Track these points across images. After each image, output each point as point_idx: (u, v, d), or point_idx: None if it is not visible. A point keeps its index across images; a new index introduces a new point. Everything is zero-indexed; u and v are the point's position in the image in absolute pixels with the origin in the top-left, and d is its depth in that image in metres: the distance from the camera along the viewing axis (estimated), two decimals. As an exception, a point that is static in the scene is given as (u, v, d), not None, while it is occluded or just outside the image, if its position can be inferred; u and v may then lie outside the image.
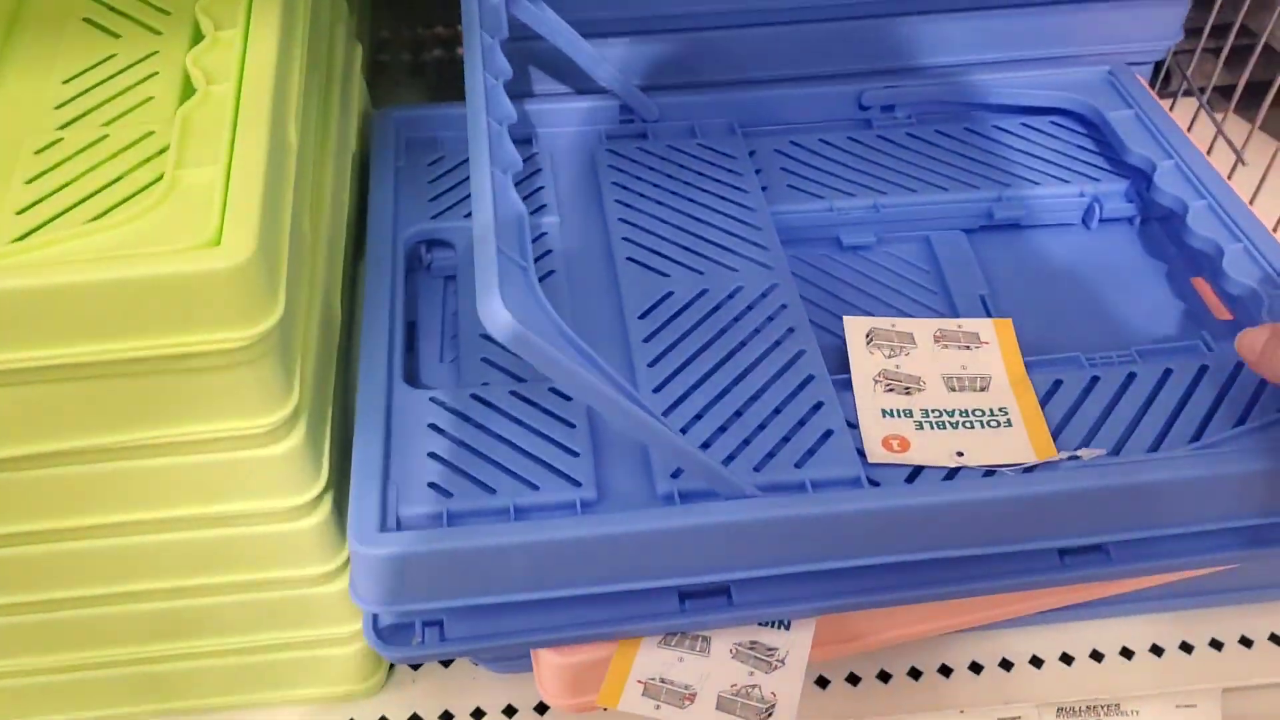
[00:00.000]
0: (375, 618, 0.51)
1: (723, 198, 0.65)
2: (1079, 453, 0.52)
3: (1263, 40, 0.77)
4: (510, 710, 0.60)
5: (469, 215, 0.59)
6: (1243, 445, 0.51)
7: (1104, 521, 0.50)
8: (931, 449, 0.53)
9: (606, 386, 0.42)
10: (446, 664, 0.62)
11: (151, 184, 0.43)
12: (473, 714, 0.60)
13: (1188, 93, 0.84)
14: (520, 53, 0.70)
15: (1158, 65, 0.79)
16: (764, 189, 0.67)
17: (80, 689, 0.57)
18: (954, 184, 0.67)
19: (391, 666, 0.62)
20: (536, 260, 0.61)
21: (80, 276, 0.39)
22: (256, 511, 0.48)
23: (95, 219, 0.42)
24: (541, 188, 0.65)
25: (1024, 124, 0.71)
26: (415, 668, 0.62)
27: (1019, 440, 0.53)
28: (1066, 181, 0.67)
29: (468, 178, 0.61)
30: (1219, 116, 0.80)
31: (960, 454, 0.53)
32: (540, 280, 0.58)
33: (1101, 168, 0.68)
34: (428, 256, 0.62)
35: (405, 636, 0.51)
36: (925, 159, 0.69)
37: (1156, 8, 0.74)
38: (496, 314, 0.39)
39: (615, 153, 0.68)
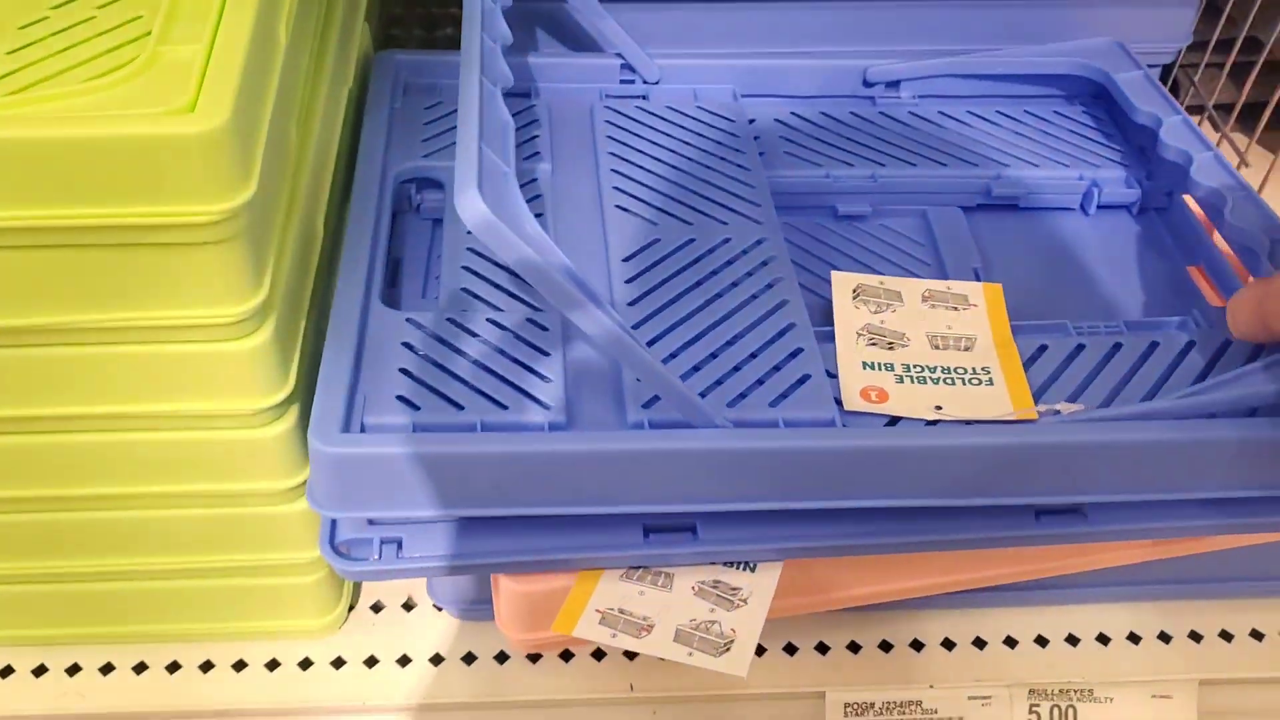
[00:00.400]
0: (332, 532, 0.50)
1: (718, 156, 0.65)
2: (1058, 406, 0.51)
3: (1262, 57, 0.77)
4: (470, 657, 0.59)
5: None
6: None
7: (1080, 479, 0.49)
8: (910, 401, 0.52)
9: (576, 289, 0.42)
10: (409, 608, 0.61)
11: (133, 60, 0.42)
12: (431, 659, 0.59)
13: (1193, 108, 0.83)
14: (525, 13, 0.70)
15: (1165, 70, 0.78)
16: (761, 154, 0.66)
17: (28, 604, 0.56)
18: (953, 160, 0.66)
19: (352, 606, 0.60)
20: (529, 202, 0.60)
21: (49, 132, 0.39)
22: (219, 412, 0.47)
23: (70, 85, 0.42)
24: (537, 136, 0.65)
25: (1027, 110, 0.71)
26: (376, 610, 0.61)
27: (999, 398, 0.52)
28: (1066, 165, 0.67)
29: None
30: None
31: (939, 408, 0.52)
32: None
33: (1102, 154, 0.68)
34: (417, 198, 0.62)
35: (363, 553, 0.49)
36: (926, 136, 0.68)
37: (1165, 8, 0.74)
38: (473, 204, 0.39)
39: (614, 110, 0.68)
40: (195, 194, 0.40)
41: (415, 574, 0.51)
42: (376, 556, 0.49)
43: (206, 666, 0.58)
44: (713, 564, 0.51)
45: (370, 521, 0.50)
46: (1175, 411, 0.50)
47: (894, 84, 0.71)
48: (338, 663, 0.58)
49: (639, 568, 0.51)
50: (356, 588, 0.61)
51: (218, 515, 0.52)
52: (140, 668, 0.58)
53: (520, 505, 0.47)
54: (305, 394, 0.50)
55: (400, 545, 0.49)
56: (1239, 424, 0.50)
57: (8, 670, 0.58)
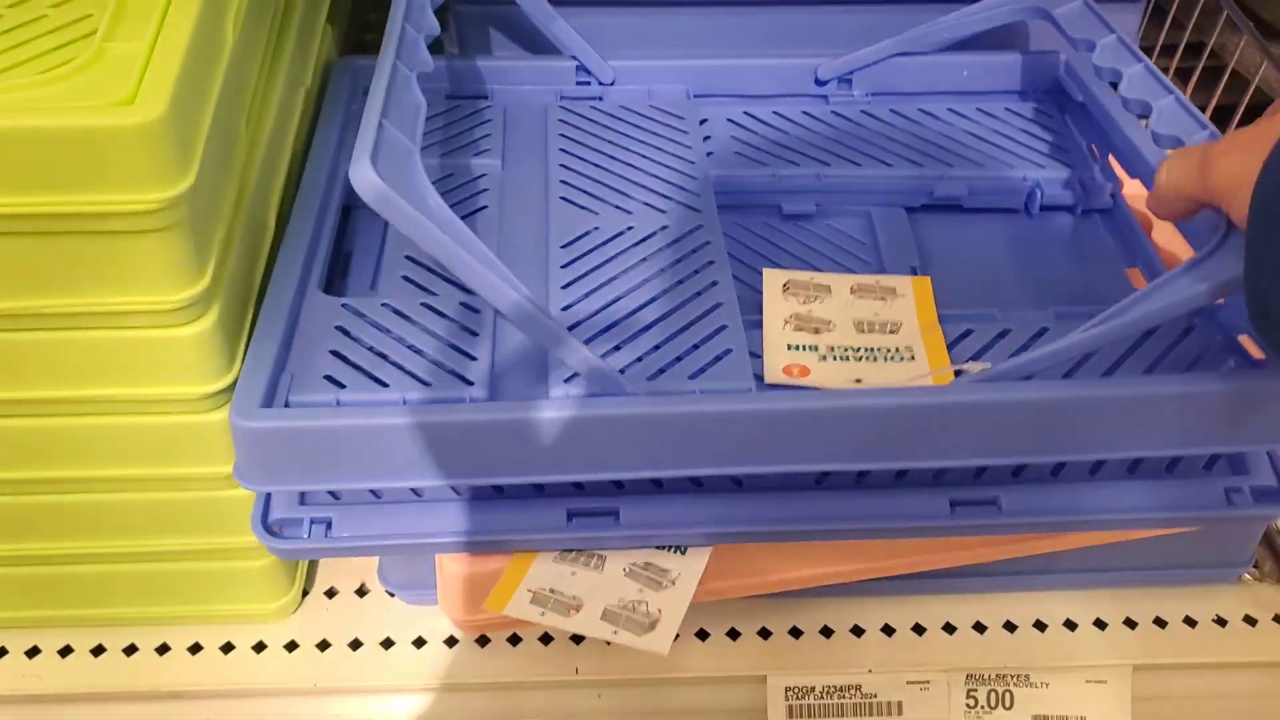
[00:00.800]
0: (265, 511, 0.51)
1: (666, 152, 0.67)
2: (965, 366, 0.52)
3: (1201, 61, 0.78)
4: (420, 641, 0.60)
5: None
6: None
7: (990, 439, 0.50)
8: (830, 376, 0.54)
9: (475, 259, 0.43)
10: (362, 593, 0.62)
11: (78, 56, 0.44)
12: (382, 643, 0.60)
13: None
14: (480, 16, 0.71)
15: (1115, 73, 0.80)
16: (709, 154, 0.68)
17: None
18: (899, 160, 0.68)
19: (306, 592, 0.62)
20: (472, 197, 0.62)
21: (-2, 122, 0.40)
22: (165, 397, 0.49)
23: (18, 80, 0.43)
24: (488, 135, 0.67)
25: (979, 108, 0.72)
26: (330, 595, 0.62)
27: (920, 372, 0.54)
28: (1011, 167, 0.68)
29: None
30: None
31: (858, 380, 0.53)
32: (470, 215, 0.60)
33: (1049, 154, 0.69)
34: None
35: (294, 532, 0.51)
36: (875, 135, 0.70)
37: (1112, 14, 0.75)
38: (364, 174, 0.41)
39: (569, 110, 0.70)
40: (135, 183, 0.42)
41: (343, 553, 0.53)
42: (306, 535, 0.51)
43: (163, 649, 0.60)
44: (638, 548, 0.52)
45: (302, 501, 0.51)
46: (1102, 337, 0.49)
47: (846, 81, 0.73)
48: (291, 646, 0.60)
49: (570, 550, 0.52)
50: (311, 574, 0.63)
51: (165, 499, 0.54)
52: (98, 650, 0.60)
53: (437, 476, 0.49)
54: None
55: (329, 525, 0.51)
56: (1133, 381, 0.51)
57: None
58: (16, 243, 0.43)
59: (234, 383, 0.50)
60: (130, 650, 0.60)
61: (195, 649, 0.60)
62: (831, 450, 0.50)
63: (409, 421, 0.47)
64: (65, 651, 0.60)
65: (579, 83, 0.72)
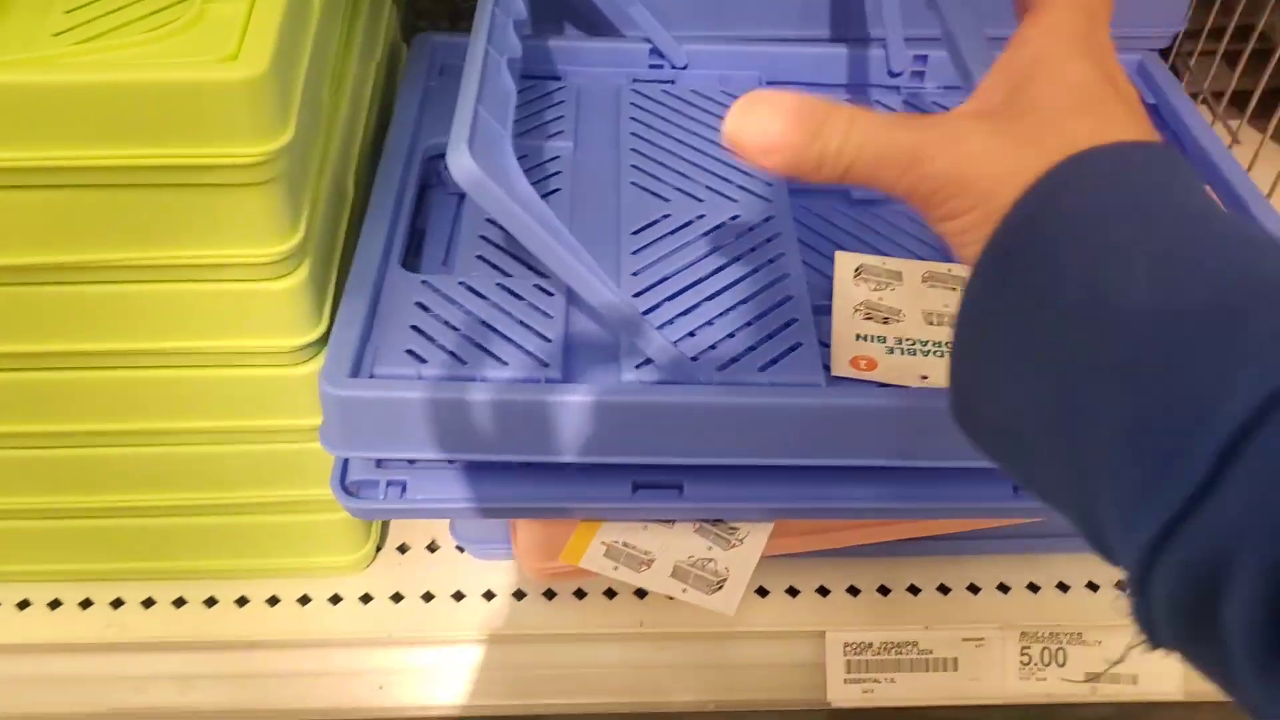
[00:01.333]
0: (343, 472, 0.53)
1: None
2: None
3: (1250, 44, 0.79)
4: (489, 594, 0.62)
5: None
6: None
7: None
8: (897, 371, 0.55)
9: (559, 244, 0.44)
10: (433, 549, 0.64)
11: (181, 16, 0.46)
12: (453, 595, 0.62)
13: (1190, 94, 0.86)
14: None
15: (1163, 54, 0.81)
16: None
17: (74, 540, 0.60)
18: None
19: (380, 547, 0.64)
20: (546, 179, 0.63)
21: (111, 76, 0.42)
22: (257, 349, 0.51)
23: (126, 38, 0.45)
24: (561, 117, 0.68)
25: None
26: (402, 551, 0.64)
27: None
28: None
29: None
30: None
31: (925, 377, 0.54)
32: (546, 195, 0.62)
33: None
34: (446, 174, 0.64)
35: (370, 493, 0.53)
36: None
37: (1161, -8, 0.76)
38: (461, 161, 0.42)
39: (640, 93, 0.71)
40: (239, 136, 0.44)
41: (417, 515, 0.55)
42: (382, 497, 0.52)
43: (242, 601, 0.62)
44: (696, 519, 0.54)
45: (379, 464, 0.53)
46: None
47: (919, 74, 0.73)
48: (365, 598, 0.62)
49: (628, 519, 0.54)
50: (384, 531, 0.64)
51: (252, 451, 0.56)
52: (179, 602, 0.62)
53: (511, 453, 0.51)
54: (336, 333, 0.54)
55: (405, 488, 0.53)
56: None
57: (56, 603, 0.61)
58: (121, 195, 0.45)
59: (322, 337, 0.52)
60: (210, 602, 0.62)
61: (273, 601, 0.62)
62: (897, 447, 0.51)
63: (487, 399, 0.49)
64: (148, 603, 0.62)
65: (651, 66, 0.72)
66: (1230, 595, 0.25)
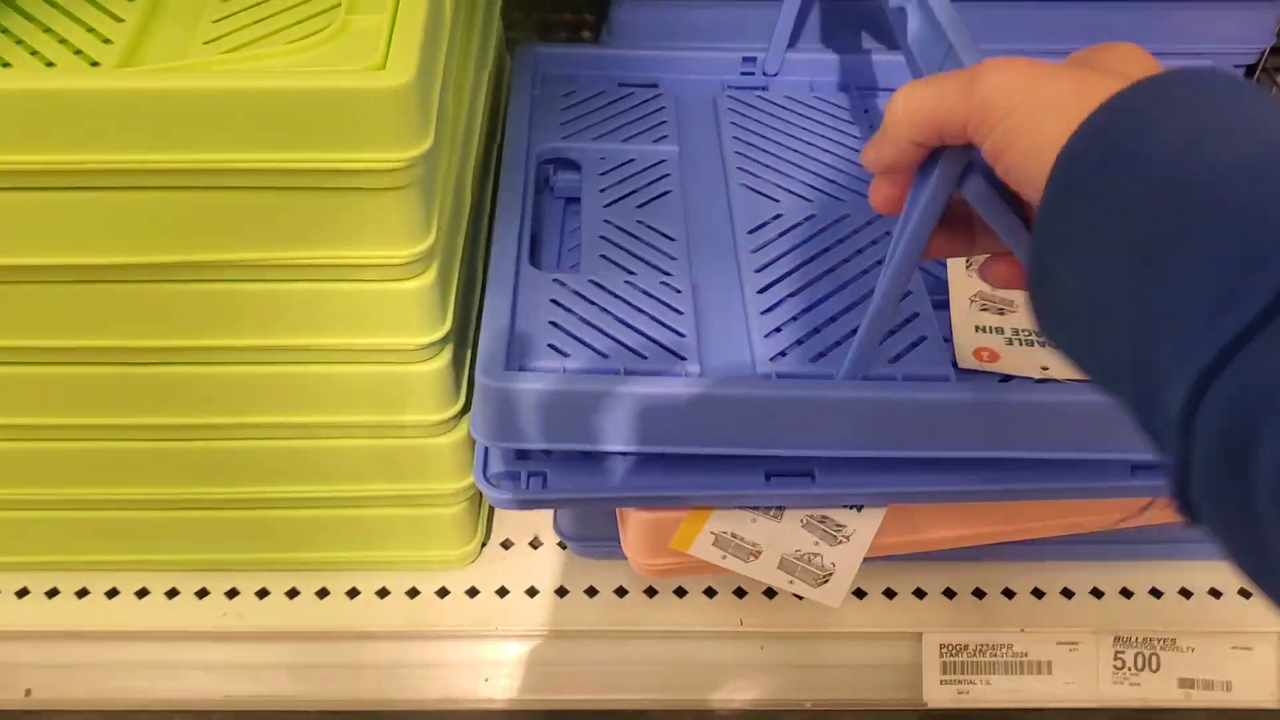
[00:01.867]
0: (485, 463, 0.54)
1: (836, 142, 0.70)
2: None
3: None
4: (592, 590, 0.64)
5: (596, 138, 0.67)
6: None
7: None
8: (1019, 362, 0.56)
9: None
10: (536, 545, 0.66)
11: (326, 26, 0.47)
12: (556, 591, 0.63)
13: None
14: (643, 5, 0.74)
15: (1249, 70, 0.81)
16: None
17: (195, 530, 0.62)
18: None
19: (484, 543, 0.65)
20: (656, 180, 0.66)
21: (261, 84, 0.44)
22: (386, 347, 0.53)
23: (273, 48, 0.47)
24: (664, 122, 0.70)
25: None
26: (506, 546, 0.66)
27: None
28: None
29: (597, 108, 0.70)
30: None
31: (1045, 368, 0.55)
32: (657, 198, 0.65)
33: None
34: (553, 179, 0.67)
35: (511, 485, 0.54)
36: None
37: (1248, 10, 0.76)
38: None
39: (735, 99, 0.73)
40: (385, 142, 0.46)
41: (556, 505, 0.55)
42: (525, 487, 0.54)
43: (353, 593, 0.63)
44: (831, 507, 0.55)
45: (518, 456, 0.54)
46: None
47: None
48: (471, 592, 0.64)
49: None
50: (489, 526, 0.66)
51: (376, 446, 0.58)
52: (292, 593, 0.64)
53: (656, 444, 0.53)
54: (458, 336, 0.55)
55: (545, 479, 0.54)
56: None
57: (173, 592, 0.64)
58: (271, 197, 0.47)
59: (446, 335, 0.54)
60: (322, 594, 0.64)
61: (383, 593, 0.63)
62: (1028, 440, 0.53)
63: (637, 391, 0.51)
64: (262, 594, 0.64)
65: (744, 73, 0.75)
66: (1271, 431, 0.25)
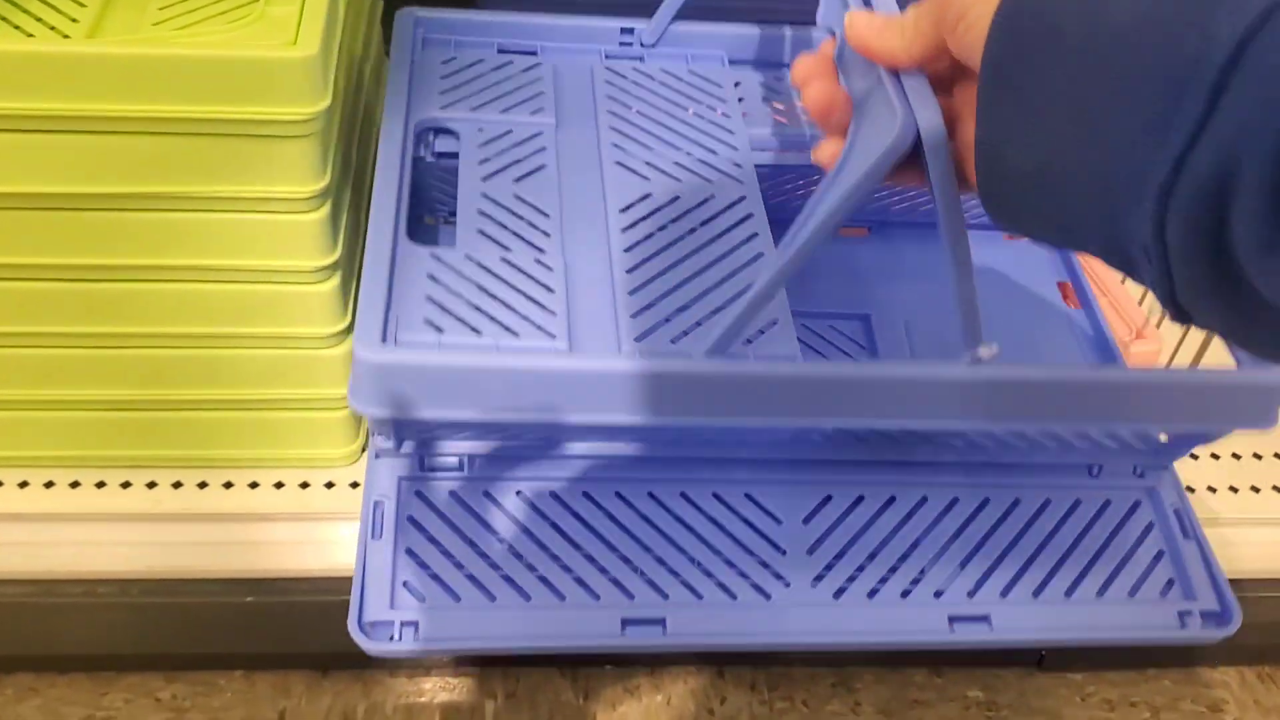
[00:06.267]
0: (360, 613, 0.62)
1: (708, 120, 0.76)
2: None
3: None
4: (452, 484, 0.78)
5: (475, 108, 0.73)
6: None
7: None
8: None
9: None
10: (407, 449, 0.80)
11: (249, 15, 0.63)
12: (423, 484, 0.78)
13: None
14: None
15: None
16: (744, 115, 0.76)
17: (118, 430, 0.77)
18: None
19: (363, 447, 0.80)
20: (533, 154, 0.71)
21: (201, 51, 0.60)
22: (290, 268, 0.68)
23: (208, 29, 0.62)
24: (542, 93, 0.76)
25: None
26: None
27: None
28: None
29: (476, 76, 0.75)
30: None
31: None
32: (534, 172, 0.70)
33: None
34: (432, 145, 0.73)
35: (386, 634, 0.62)
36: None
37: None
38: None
39: (613, 70, 0.79)
40: (295, 99, 0.62)
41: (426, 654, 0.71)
42: (398, 638, 0.62)
43: (254, 485, 0.79)
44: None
45: (392, 605, 0.63)
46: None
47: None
48: (354, 484, 0.79)
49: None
50: (367, 433, 0.81)
51: (276, 356, 0.73)
52: (202, 484, 0.79)
53: (523, 413, 0.57)
54: (345, 265, 0.71)
55: (417, 627, 0.62)
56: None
57: (102, 484, 0.78)
58: (203, 142, 0.63)
59: (335, 262, 0.69)
60: (228, 485, 0.79)
61: (279, 485, 0.79)
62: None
63: (506, 365, 0.56)
64: (177, 485, 0.79)
65: (622, 43, 0.80)
66: (1239, 197, 0.30)
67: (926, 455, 0.71)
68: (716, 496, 0.69)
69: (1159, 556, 0.70)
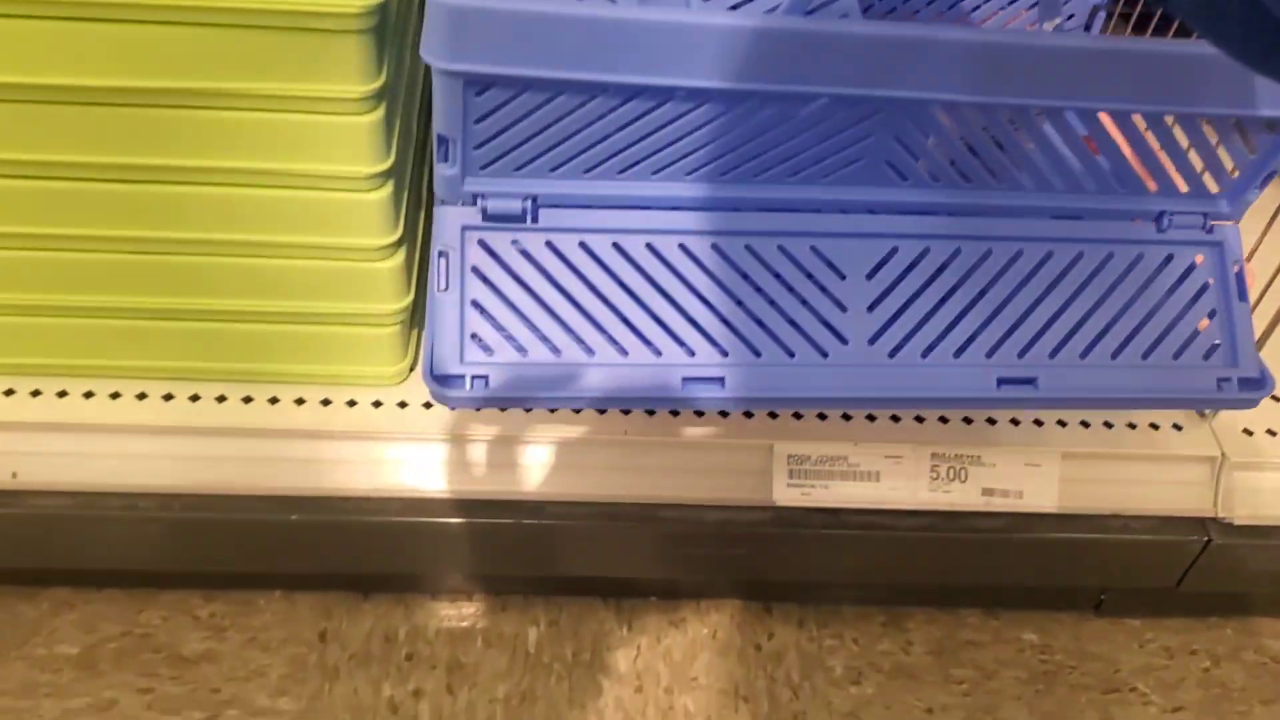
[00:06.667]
0: (430, 362, 0.63)
1: None
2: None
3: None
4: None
5: None
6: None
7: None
8: None
9: None
10: (455, 368, 0.78)
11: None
12: (472, 404, 0.76)
13: None
14: None
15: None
16: None
17: (163, 340, 0.75)
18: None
19: (412, 366, 0.78)
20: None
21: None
22: (342, 174, 0.67)
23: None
24: None
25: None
26: (430, 369, 0.78)
27: None
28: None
29: None
30: None
31: None
32: None
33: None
34: None
35: (459, 386, 0.63)
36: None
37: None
38: None
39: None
40: None
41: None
42: (469, 388, 0.63)
43: (300, 401, 0.77)
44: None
45: (461, 358, 0.63)
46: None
47: None
48: (402, 404, 0.76)
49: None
50: (419, 352, 0.78)
51: (326, 267, 0.72)
52: (247, 399, 0.77)
53: (597, 71, 0.57)
54: (398, 174, 0.68)
55: (488, 380, 0.63)
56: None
57: (143, 395, 0.77)
58: (250, 35, 0.61)
59: (389, 169, 0.67)
60: (273, 400, 0.77)
61: (326, 402, 0.77)
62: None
63: (581, 14, 0.56)
64: (221, 399, 0.77)
65: None
66: None
67: (997, 196, 0.68)
68: (782, 250, 0.67)
69: (1211, 315, 0.69)
